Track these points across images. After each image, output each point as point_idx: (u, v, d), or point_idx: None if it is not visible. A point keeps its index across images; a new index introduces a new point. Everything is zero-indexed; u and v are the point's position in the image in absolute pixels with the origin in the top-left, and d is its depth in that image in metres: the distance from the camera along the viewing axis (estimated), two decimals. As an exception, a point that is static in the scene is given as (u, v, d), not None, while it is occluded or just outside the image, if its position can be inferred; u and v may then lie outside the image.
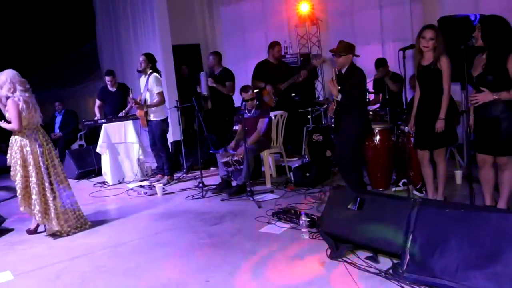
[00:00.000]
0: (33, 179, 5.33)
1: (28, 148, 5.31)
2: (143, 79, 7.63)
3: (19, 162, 5.32)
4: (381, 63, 7.89)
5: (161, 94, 7.51)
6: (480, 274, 3.17)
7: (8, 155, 5.47)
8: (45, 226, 5.59)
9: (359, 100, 5.71)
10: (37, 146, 5.36)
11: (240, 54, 11.20)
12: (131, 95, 7.67)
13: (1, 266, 4.67)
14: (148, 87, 7.46)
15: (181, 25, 11.45)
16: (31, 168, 5.33)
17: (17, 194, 5.40)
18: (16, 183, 5.39)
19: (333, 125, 6.13)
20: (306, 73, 8.10)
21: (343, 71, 5.68)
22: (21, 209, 5.44)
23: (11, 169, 5.43)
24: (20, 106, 5.22)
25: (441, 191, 5.20)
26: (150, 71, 7.52)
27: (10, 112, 5.26)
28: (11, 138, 5.42)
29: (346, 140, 5.74)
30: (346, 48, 5.62)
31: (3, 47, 12.21)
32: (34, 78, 14.13)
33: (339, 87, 5.59)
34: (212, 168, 8.42)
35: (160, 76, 7.65)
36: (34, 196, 5.35)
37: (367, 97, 7.12)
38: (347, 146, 5.74)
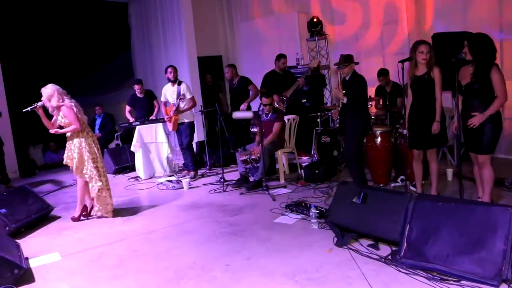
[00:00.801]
0: (100, 168, 5.63)
1: (93, 143, 5.59)
2: (171, 87, 7.68)
3: (89, 155, 5.52)
4: (382, 72, 7.88)
5: (193, 99, 7.64)
6: (467, 259, 3.23)
7: (66, 156, 5.61)
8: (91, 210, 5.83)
9: (362, 102, 5.79)
10: (95, 140, 5.67)
11: (256, 65, 11.19)
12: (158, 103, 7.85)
13: (50, 248, 4.79)
14: (181, 94, 7.52)
15: (205, 38, 11.51)
16: (98, 160, 5.60)
17: (97, 184, 5.57)
18: (89, 175, 5.55)
19: (337, 126, 6.21)
20: (302, 80, 8.07)
21: (347, 78, 5.78)
22: (98, 195, 5.65)
23: (75, 166, 5.54)
24: (74, 110, 5.40)
25: (434, 187, 5.23)
26: (179, 80, 7.63)
27: (68, 116, 5.42)
28: (72, 142, 5.55)
29: (351, 137, 5.83)
30: (347, 60, 5.75)
31: (52, 59, 12.38)
32: (78, 85, 14.32)
33: (344, 91, 5.70)
34: (232, 165, 8.46)
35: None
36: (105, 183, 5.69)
37: (370, 103, 7.17)
38: (352, 143, 5.81)
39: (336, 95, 5.83)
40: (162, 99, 7.84)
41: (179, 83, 7.60)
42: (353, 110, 5.72)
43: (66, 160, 5.64)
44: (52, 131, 5.56)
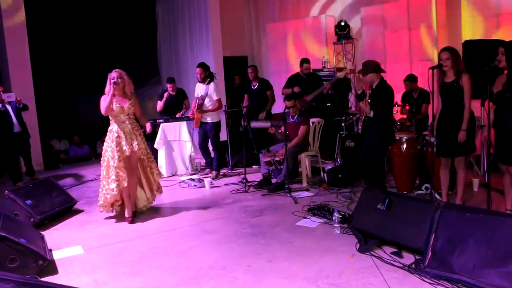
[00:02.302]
0: None
1: None
2: (200, 86, 7.70)
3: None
4: (409, 78, 7.77)
5: (219, 100, 7.63)
6: (494, 272, 3.15)
7: (139, 146, 5.51)
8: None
9: (386, 112, 5.70)
10: None
11: (282, 67, 11.23)
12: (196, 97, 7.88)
13: (73, 241, 4.85)
14: (208, 93, 7.57)
15: (232, 39, 11.54)
16: None
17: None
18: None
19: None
20: (329, 85, 8.13)
21: (374, 86, 5.68)
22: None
23: (145, 155, 5.64)
24: None
25: (459, 196, 5.14)
26: (209, 79, 7.63)
27: (139, 106, 5.60)
28: (139, 132, 5.59)
29: (371, 147, 5.74)
30: (367, 69, 5.66)
31: (79, 54, 12.56)
32: (103, 81, 14.53)
33: (369, 100, 5.61)
34: (254, 166, 8.43)
35: (215, 79, 7.77)
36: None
37: (395, 109, 7.09)
38: (371, 153, 5.73)
39: (363, 109, 5.73)
40: (195, 94, 7.90)
41: (209, 82, 7.62)
42: (377, 119, 5.65)
43: (139, 152, 5.50)
44: (148, 128, 5.80)
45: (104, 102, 5.32)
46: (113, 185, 5.29)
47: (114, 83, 5.30)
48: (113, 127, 5.43)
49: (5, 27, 9.17)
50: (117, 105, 5.36)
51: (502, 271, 3.12)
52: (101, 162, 5.48)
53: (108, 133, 5.47)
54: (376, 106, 5.57)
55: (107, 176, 5.39)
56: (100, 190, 5.51)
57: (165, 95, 8.45)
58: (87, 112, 13.47)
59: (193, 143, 8.23)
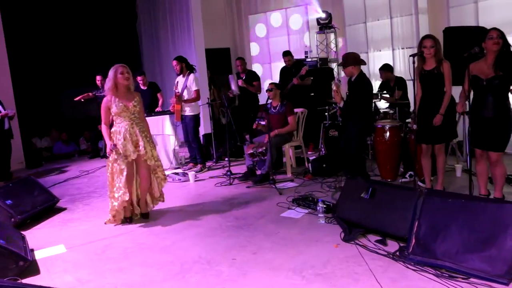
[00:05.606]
0: None
1: None
2: (182, 78, 7.62)
3: None
4: (384, 67, 7.78)
5: (197, 91, 7.53)
6: (477, 257, 3.18)
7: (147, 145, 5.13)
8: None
9: (364, 105, 5.69)
10: None
11: (265, 57, 11.23)
12: (174, 89, 7.75)
13: (56, 240, 4.78)
14: (187, 84, 7.50)
15: (214, 31, 11.46)
16: None
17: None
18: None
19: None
20: (296, 80, 8.21)
21: (353, 79, 5.70)
22: None
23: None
24: None
25: (440, 182, 5.18)
26: (188, 71, 7.56)
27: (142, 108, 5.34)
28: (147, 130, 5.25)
29: (350, 139, 5.76)
30: (347, 61, 5.67)
31: (58, 50, 12.39)
32: (84, 76, 14.36)
33: (347, 92, 5.63)
34: (239, 158, 8.40)
35: (195, 71, 7.70)
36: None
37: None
38: (351, 145, 5.75)
39: (334, 98, 5.72)
40: (174, 88, 7.83)
41: (189, 74, 7.56)
42: (355, 112, 5.66)
43: (146, 156, 5.05)
44: None
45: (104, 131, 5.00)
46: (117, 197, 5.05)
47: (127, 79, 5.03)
48: (120, 128, 5.02)
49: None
50: (120, 104, 4.98)
51: (484, 255, 3.16)
52: (106, 169, 5.14)
53: (112, 135, 5.05)
54: (354, 99, 5.57)
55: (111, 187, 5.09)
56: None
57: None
58: (69, 108, 13.35)
59: (177, 137, 8.17)
